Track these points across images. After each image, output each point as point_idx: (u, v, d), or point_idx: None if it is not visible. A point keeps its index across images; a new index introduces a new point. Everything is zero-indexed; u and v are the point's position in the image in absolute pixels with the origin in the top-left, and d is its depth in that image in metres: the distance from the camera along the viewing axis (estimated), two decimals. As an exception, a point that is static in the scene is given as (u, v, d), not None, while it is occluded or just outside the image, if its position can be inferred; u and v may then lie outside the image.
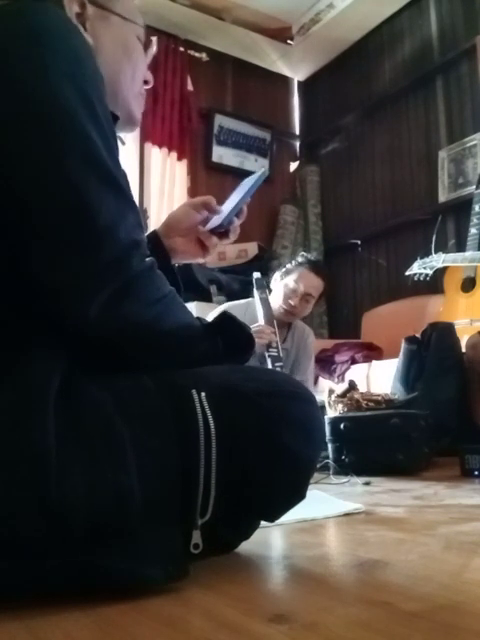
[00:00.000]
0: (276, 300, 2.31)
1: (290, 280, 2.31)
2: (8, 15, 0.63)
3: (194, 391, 0.65)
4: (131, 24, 0.81)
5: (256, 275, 2.13)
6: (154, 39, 0.87)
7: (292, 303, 2.28)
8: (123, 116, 0.81)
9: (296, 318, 2.40)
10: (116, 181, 0.64)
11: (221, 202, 0.96)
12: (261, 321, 2.05)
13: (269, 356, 1.97)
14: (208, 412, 0.64)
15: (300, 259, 2.37)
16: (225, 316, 0.75)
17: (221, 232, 0.93)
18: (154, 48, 0.87)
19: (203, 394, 0.65)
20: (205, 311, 2.43)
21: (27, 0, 0.65)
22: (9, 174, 0.60)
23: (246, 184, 0.91)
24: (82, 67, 0.63)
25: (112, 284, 0.61)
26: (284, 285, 2.32)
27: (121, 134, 0.84)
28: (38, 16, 0.62)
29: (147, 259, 0.66)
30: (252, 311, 2.21)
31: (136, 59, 0.82)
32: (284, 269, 2.38)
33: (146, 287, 0.65)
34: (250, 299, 2.38)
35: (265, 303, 2.09)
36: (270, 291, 2.33)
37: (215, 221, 0.93)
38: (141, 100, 0.86)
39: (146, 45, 0.84)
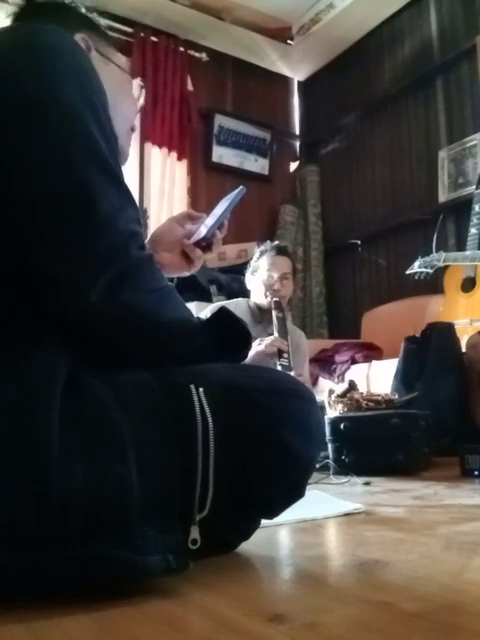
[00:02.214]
0: (259, 295, 2.40)
1: (262, 272, 2.41)
2: (21, 34, 0.70)
3: (193, 387, 0.65)
4: (126, 74, 0.91)
5: (274, 298, 2.32)
6: (143, 91, 0.99)
7: (275, 288, 2.37)
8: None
9: (285, 299, 2.49)
10: (118, 176, 0.67)
11: (219, 201, 0.99)
12: (276, 334, 2.19)
13: (280, 364, 2.07)
14: (206, 408, 0.64)
15: (259, 252, 2.48)
16: (222, 312, 0.75)
17: (204, 246, 0.97)
18: (142, 101, 0.98)
19: (201, 390, 0.65)
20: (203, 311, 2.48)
21: (39, 23, 0.71)
22: (14, 169, 0.63)
23: (226, 200, 0.97)
24: (88, 79, 0.68)
25: (110, 270, 0.63)
26: (259, 279, 2.41)
27: None
28: (48, 34, 0.68)
29: (145, 251, 0.68)
30: (240, 311, 2.37)
31: (129, 101, 0.91)
32: (250, 268, 2.48)
33: (144, 275, 0.67)
34: (239, 299, 2.53)
35: (281, 321, 2.24)
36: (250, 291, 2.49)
37: (199, 234, 0.97)
38: (129, 139, 0.93)
39: (137, 95, 0.94)
